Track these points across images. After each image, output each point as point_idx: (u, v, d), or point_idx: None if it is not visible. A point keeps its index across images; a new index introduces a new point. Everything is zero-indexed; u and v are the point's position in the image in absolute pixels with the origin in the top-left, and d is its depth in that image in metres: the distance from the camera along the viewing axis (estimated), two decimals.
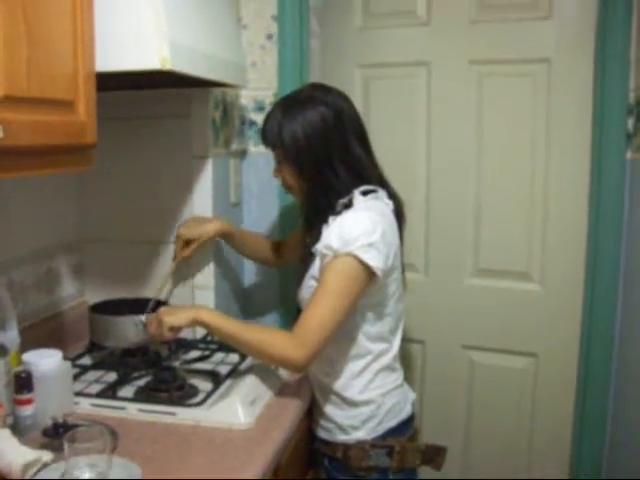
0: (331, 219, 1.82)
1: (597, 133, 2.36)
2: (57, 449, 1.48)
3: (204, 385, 1.94)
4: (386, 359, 1.91)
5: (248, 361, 2.10)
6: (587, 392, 2.49)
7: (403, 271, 1.97)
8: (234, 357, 2.16)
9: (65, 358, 1.78)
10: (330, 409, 1.93)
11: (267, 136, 1.90)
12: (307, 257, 1.90)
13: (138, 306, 2.16)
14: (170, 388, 1.88)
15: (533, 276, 2.57)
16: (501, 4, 2.49)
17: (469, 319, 2.68)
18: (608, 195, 2.36)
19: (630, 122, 2.30)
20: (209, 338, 2.30)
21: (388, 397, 1.91)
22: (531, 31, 2.46)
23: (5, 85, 1.26)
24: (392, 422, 1.92)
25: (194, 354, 2.24)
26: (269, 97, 2.57)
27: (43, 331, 2.14)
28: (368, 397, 1.89)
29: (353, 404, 1.89)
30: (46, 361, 1.70)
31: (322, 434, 1.98)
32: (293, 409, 1.89)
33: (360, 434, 1.89)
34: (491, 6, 2.50)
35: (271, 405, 1.88)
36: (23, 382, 1.64)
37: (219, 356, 2.21)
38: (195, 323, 1.83)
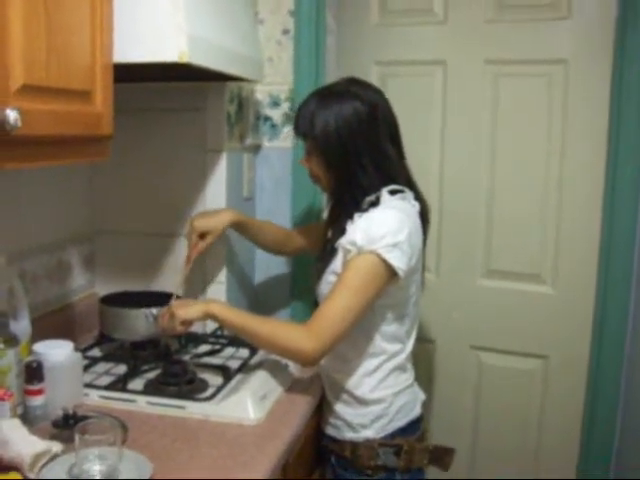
0: (356, 216, 1.81)
1: (614, 135, 2.34)
2: (67, 440, 1.49)
3: (214, 379, 1.94)
4: (399, 359, 1.91)
5: (258, 356, 2.10)
6: (597, 395, 2.48)
7: (423, 274, 1.97)
8: (244, 352, 2.16)
9: (75, 349, 1.78)
10: (340, 407, 1.93)
11: (299, 124, 1.89)
12: (329, 252, 1.90)
13: (149, 299, 2.16)
14: (180, 382, 1.88)
15: (545, 278, 2.56)
16: (518, 4, 2.48)
17: (479, 320, 2.67)
18: (622, 198, 2.34)
19: None
20: (219, 332, 2.30)
21: (398, 397, 1.90)
22: (548, 31, 2.44)
23: (24, 74, 1.26)
24: (401, 422, 1.91)
25: (204, 348, 2.23)
26: (284, 92, 2.57)
27: (53, 322, 2.14)
28: (379, 396, 1.88)
29: (364, 402, 1.89)
30: (57, 352, 1.71)
31: (330, 431, 1.98)
32: (303, 406, 1.88)
33: (369, 433, 1.89)
34: (508, 6, 2.49)
35: (281, 401, 1.87)
36: (33, 372, 1.64)
37: (229, 351, 2.21)
38: (207, 316, 1.82)
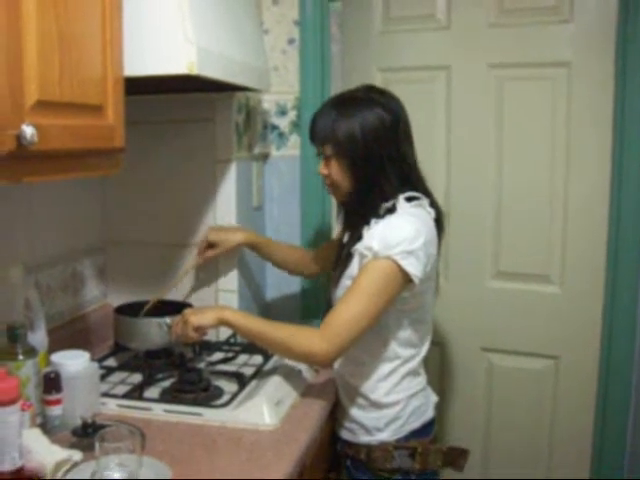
0: (373, 221, 1.83)
1: (618, 136, 2.36)
2: (86, 449, 1.51)
3: (229, 386, 1.96)
4: (413, 364, 1.92)
5: (272, 362, 2.12)
6: (608, 395, 2.49)
7: (438, 281, 1.98)
8: (258, 358, 2.18)
9: (91, 359, 1.81)
10: (355, 410, 1.95)
11: (318, 130, 1.88)
12: (345, 257, 1.91)
13: (162, 308, 2.19)
14: (196, 389, 1.90)
15: (553, 279, 2.57)
16: (521, 8, 2.49)
17: (489, 321, 2.68)
18: (629, 198, 2.36)
19: None
20: (233, 340, 2.32)
21: (412, 399, 1.92)
22: (551, 35, 2.46)
23: (39, 90, 1.28)
24: (415, 424, 1.93)
25: (218, 356, 2.25)
26: (291, 101, 2.60)
27: (69, 333, 2.16)
28: (393, 399, 1.90)
29: (378, 406, 1.90)
30: (74, 362, 1.73)
31: (345, 435, 1.99)
32: (318, 410, 1.90)
33: (384, 435, 1.91)
34: (511, 10, 2.50)
35: (296, 406, 1.89)
36: (52, 383, 1.66)
37: (243, 358, 2.23)
38: (220, 323, 1.84)
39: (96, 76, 1.51)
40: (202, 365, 2.14)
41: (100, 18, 1.51)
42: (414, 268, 1.72)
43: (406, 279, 1.74)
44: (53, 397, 1.66)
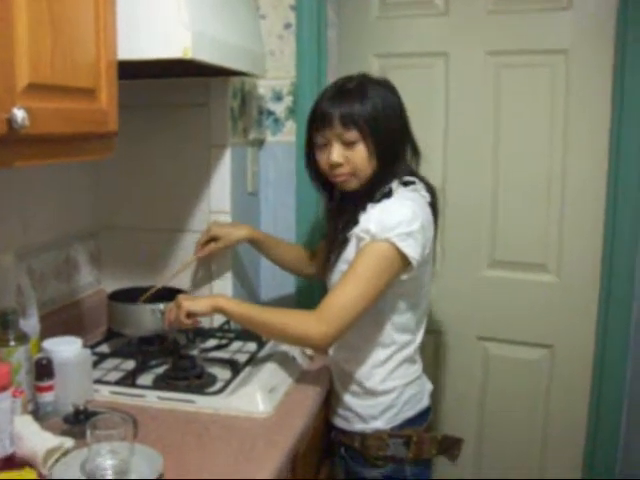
0: (369, 206, 1.82)
1: (615, 124, 2.35)
2: (78, 436, 1.50)
3: (222, 373, 1.95)
4: (409, 351, 1.92)
5: (266, 349, 2.11)
6: (602, 384, 2.49)
7: (434, 265, 1.98)
8: (252, 345, 2.17)
9: (84, 345, 1.80)
10: (350, 398, 1.94)
11: (338, 116, 1.80)
12: (341, 242, 1.90)
13: (156, 294, 2.18)
14: (189, 376, 1.89)
15: (549, 267, 2.57)
16: None
17: (485, 310, 2.68)
18: (626, 187, 2.35)
19: None
20: (227, 327, 2.31)
21: (408, 388, 1.92)
22: (550, 22, 2.44)
23: (30, 73, 1.27)
24: (410, 412, 1.92)
25: (212, 343, 2.25)
26: (287, 86, 2.58)
27: (61, 319, 2.15)
28: (389, 387, 1.89)
29: (373, 393, 1.90)
30: (66, 348, 1.72)
31: (340, 423, 1.99)
32: (312, 398, 1.89)
33: (378, 423, 1.90)
34: None
35: (290, 393, 1.88)
36: (44, 369, 1.65)
37: (237, 345, 2.22)
38: (214, 310, 1.82)
39: (89, 59, 1.49)
40: (196, 352, 2.13)
41: (93, 1, 1.49)
42: (412, 250, 1.72)
43: (404, 261, 1.74)
44: (45, 384, 1.65)
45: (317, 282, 2.33)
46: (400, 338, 1.89)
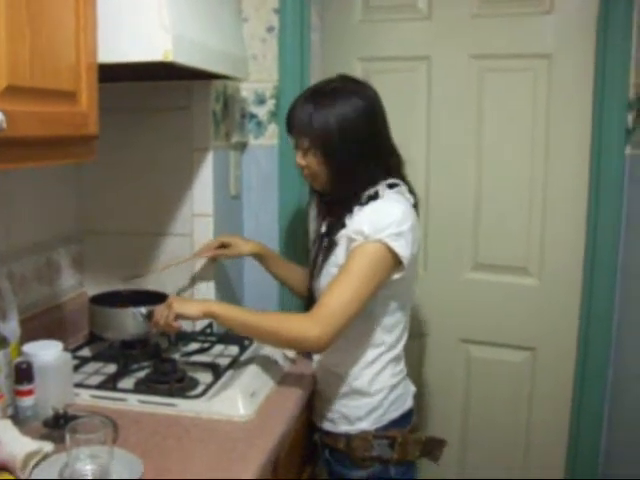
0: (356, 209, 1.84)
1: (597, 128, 2.36)
2: (57, 440, 1.49)
3: (204, 377, 1.94)
4: (396, 350, 1.94)
5: (248, 353, 2.11)
6: (584, 386, 2.50)
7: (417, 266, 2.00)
8: (234, 349, 2.17)
9: (65, 349, 1.79)
10: (336, 399, 1.95)
11: (294, 122, 1.89)
12: (328, 245, 1.91)
13: (138, 298, 2.17)
14: (170, 380, 1.88)
15: (531, 271, 2.58)
16: None
17: (467, 313, 2.69)
18: (607, 190, 2.36)
19: (630, 118, 2.30)
20: (209, 330, 2.31)
21: (394, 389, 1.93)
22: (532, 26, 2.46)
23: (8, 75, 1.26)
24: (395, 413, 1.93)
25: (194, 346, 2.24)
26: (269, 90, 2.57)
27: (43, 322, 2.14)
28: (376, 388, 1.90)
29: (361, 394, 1.91)
30: (46, 352, 1.71)
31: (324, 425, 1.99)
32: (294, 401, 1.89)
33: (364, 424, 1.91)
34: (492, 0, 2.50)
35: (271, 397, 1.88)
36: (23, 373, 1.64)
37: (219, 348, 2.22)
38: (206, 316, 1.82)
39: (69, 62, 1.49)
40: (177, 356, 2.13)
41: (73, 3, 1.49)
42: (403, 250, 1.74)
43: (395, 261, 1.75)
44: (25, 388, 1.64)
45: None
46: (389, 338, 1.91)
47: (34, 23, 1.34)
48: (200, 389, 1.85)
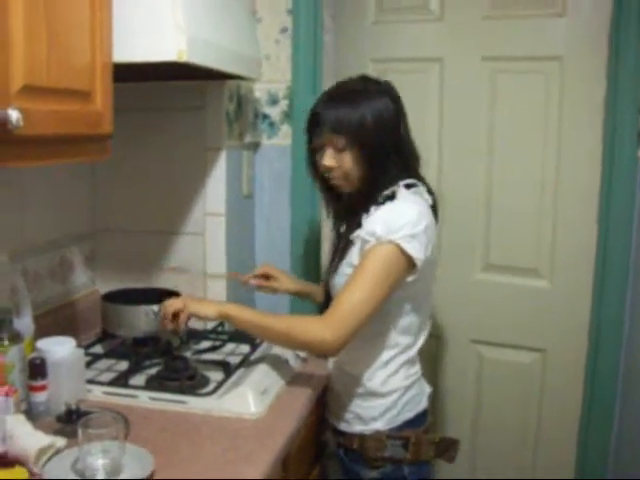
0: (373, 209, 1.82)
1: (609, 131, 2.36)
2: (70, 435, 1.51)
3: (215, 375, 1.96)
4: (411, 353, 1.93)
5: (259, 352, 2.12)
6: (595, 388, 2.49)
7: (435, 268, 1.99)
8: (245, 348, 2.18)
9: (78, 346, 1.81)
10: (351, 399, 1.94)
11: (325, 122, 1.83)
12: (344, 245, 1.91)
13: (150, 296, 2.19)
14: (181, 377, 1.90)
15: (542, 272, 2.57)
16: (515, 0, 2.48)
17: (478, 314, 2.69)
18: (619, 193, 2.36)
19: None
20: (220, 328, 2.32)
21: (408, 389, 1.92)
22: (544, 28, 2.45)
23: (25, 75, 1.28)
24: (409, 414, 1.93)
25: (205, 344, 2.25)
26: (282, 90, 2.58)
27: (56, 319, 2.16)
28: (390, 388, 1.90)
29: (375, 394, 1.90)
30: (60, 348, 1.73)
31: (340, 425, 1.99)
32: (304, 399, 1.90)
33: (378, 425, 1.90)
34: (504, 2, 2.49)
35: (282, 395, 1.89)
36: (37, 369, 1.66)
37: (230, 347, 2.23)
38: (221, 317, 1.82)
39: (84, 62, 1.51)
40: (189, 353, 2.14)
41: (89, 3, 1.51)
42: (417, 252, 1.73)
43: (409, 263, 1.74)
44: (38, 383, 1.66)
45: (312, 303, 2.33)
46: (403, 340, 1.90)
47: (51, 24, 1.36)
48: (211, 387, 1.86)
